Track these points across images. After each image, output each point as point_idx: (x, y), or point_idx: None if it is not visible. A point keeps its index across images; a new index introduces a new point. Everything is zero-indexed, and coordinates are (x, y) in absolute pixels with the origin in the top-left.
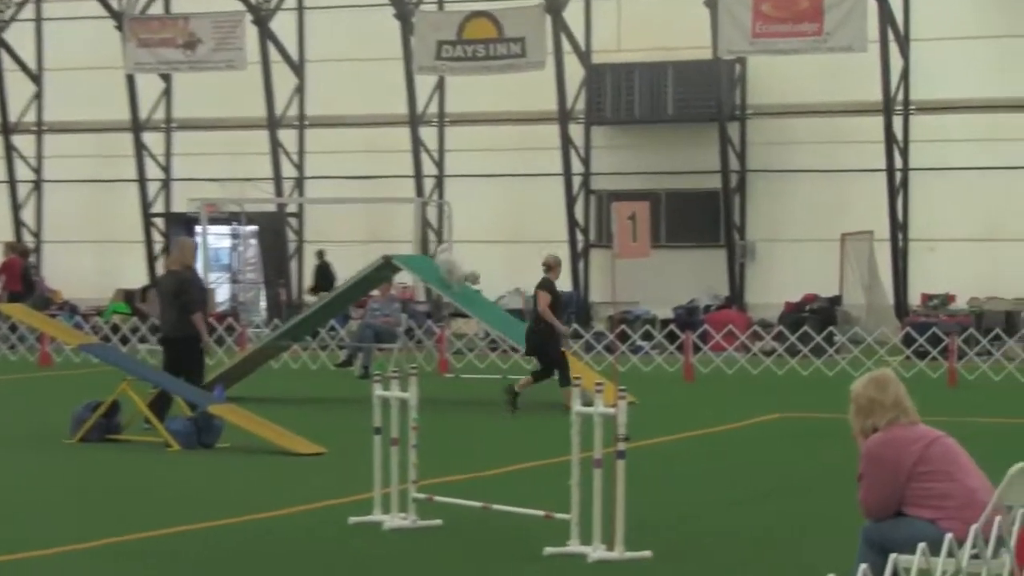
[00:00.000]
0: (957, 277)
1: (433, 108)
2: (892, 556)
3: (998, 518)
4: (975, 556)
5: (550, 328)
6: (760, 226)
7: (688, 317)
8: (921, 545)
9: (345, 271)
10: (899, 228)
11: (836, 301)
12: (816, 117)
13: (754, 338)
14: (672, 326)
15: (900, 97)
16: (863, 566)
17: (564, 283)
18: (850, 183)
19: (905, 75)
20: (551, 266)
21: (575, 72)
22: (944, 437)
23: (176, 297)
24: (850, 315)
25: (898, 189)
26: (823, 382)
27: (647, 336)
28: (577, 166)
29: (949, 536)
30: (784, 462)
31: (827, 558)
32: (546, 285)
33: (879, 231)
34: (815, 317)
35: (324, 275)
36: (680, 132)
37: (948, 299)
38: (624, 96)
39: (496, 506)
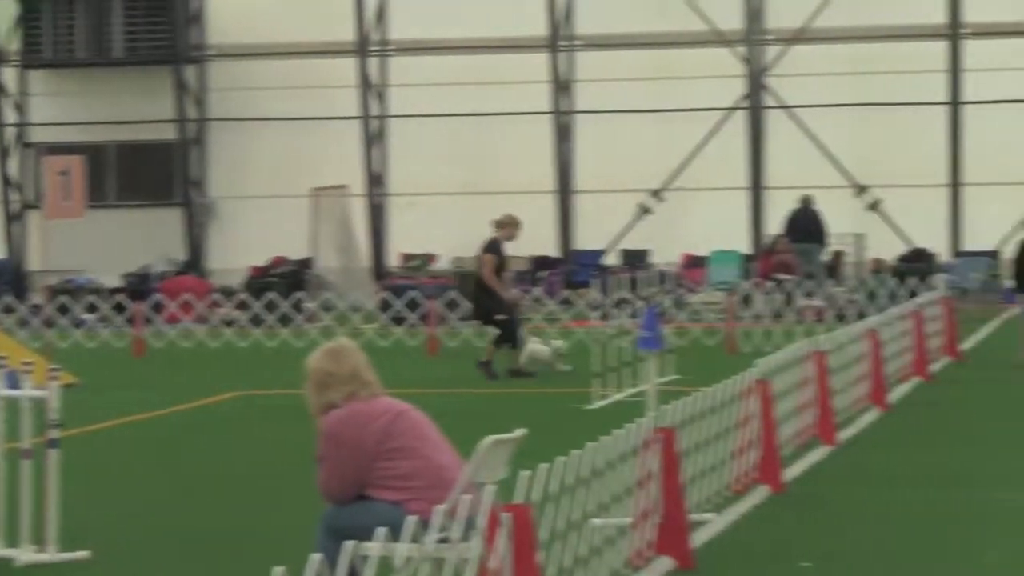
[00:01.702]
0: (439, 234)
1: None
2: (349, 543)
3: (467, 497)
4: (443, 540)
5: (495, 293)
6: (223, 182)
7: (140, 285)
8: (381, 530)
9: None
10: (375, 181)
11: (307, 264)
12: (285, 59)
13: (215, 307)
14: (121, 296)
15: (376, 37)
16: (317, 556)
17: None
18: (322, 132)
19: (381, 13)
20: (502, 224)
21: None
22: (410, 411)
23: None
24: (323, 279)
25: (375, 138)
26: (291, 354)
27: (92, 308)
28: (11, 115)
29: (412, 519)
30: (244, 446)
31: (288, 549)
32: (491, 247)
33: (354, 185)
34: (283, 282)
35: None
36: (130, 76)
37: (429, 259)
38: (64, 34)
39: None
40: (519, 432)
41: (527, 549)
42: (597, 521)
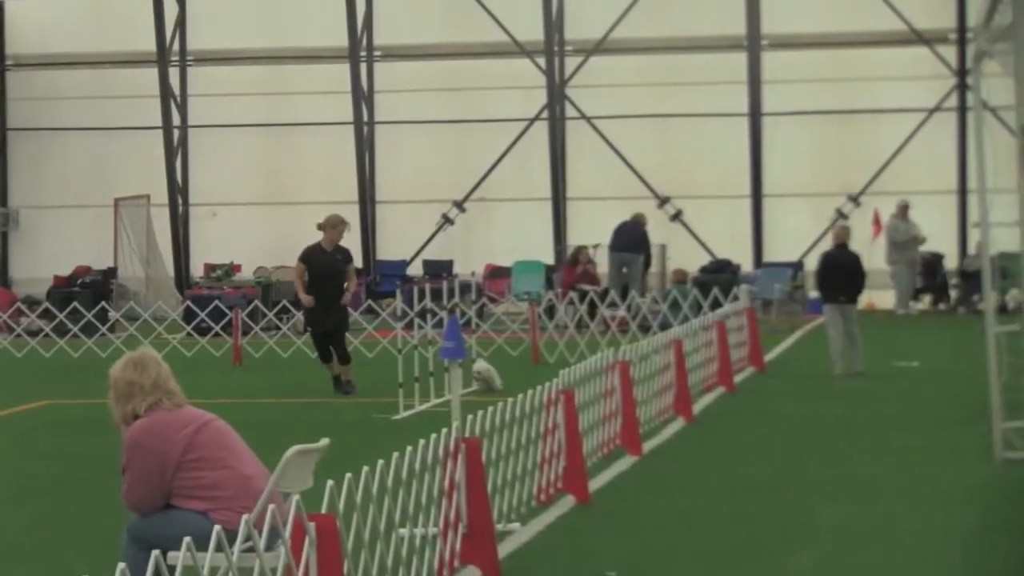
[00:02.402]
0: (242, 245)
1: None
2: (154, 553)
3: (272, 507)
4: (249, 549)
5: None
6: (24, 191)
7: None
8: (186, 539)
9: None
10: (178, 191)
11: (111, 274)
12: (84, 69)
13: (18, 316)
14: None
15: (176, 47)
16: (121, 565)
17: None
18: (124, 142)
19: (181, 23)
20: (322, 227)
21: None
22: (215, 420)
23: None
24: (127, 289)
25: (176, 148)
26: (96, 364)
27: None
28: None
29: (217, 528)
30: (50, 455)
31: (94, 559)
32: (303, 253)
33: (157, 195)
34: (87, 292)
35: None
36: None
37: (233, 269)
38: None
39: None
40: (323, 442)
41: (333, 559)
42: (403, 531)
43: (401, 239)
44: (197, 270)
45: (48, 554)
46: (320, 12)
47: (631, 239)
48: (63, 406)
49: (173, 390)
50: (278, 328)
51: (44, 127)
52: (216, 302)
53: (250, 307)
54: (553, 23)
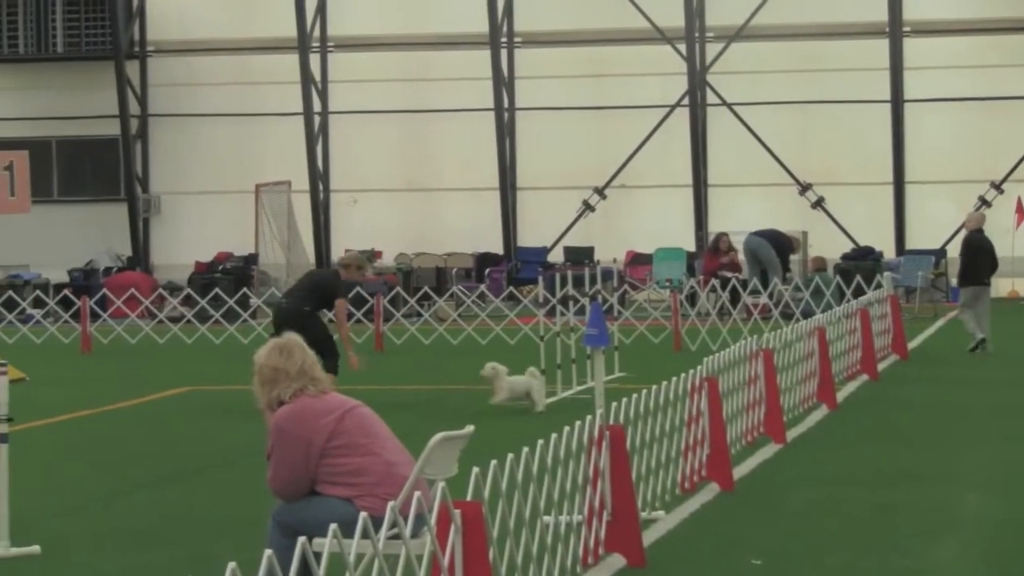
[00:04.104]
0: (383, 231)
1: None
2: (301, 539)
3: (417, 493)
4: (394, 536)
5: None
6: (165, 177)
7: (85, 281)
8: (332, 526)
9: None
10: (319, 177)
11: (252, 260)
12: (224, 55)
13: (160, 302)
14: (67, 291)
15: (316, 34)
16: (268, 552)
17: None
18: (264, 128)
19: (321, 9)
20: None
21: None
22: (359, 407)
23: None
24: (268, 275)
25: (317, 134)
26: (238, 350)
27: (38, 303)
28: None
29: (363, 515)
30: (192, 441)
31: (236, 545)
32: (344, 291)
33: (298, 181)
34: (228, 278)
35: None
36: (72, 71)
37: (374, 255)
38: (6, 30)
39: None
40: (468, 429)
41: (478, 546)
42: (548, 518)
43: (542, 225)
44: (338, 256)
45: (190, 540)
46: None
47: (768, 232)
48: (205, 392)
49: (318, 376)
50: (419, 315)
51: (185, 113)
52: (357, 288)
53: (391, 294)
54: (694, 9)
